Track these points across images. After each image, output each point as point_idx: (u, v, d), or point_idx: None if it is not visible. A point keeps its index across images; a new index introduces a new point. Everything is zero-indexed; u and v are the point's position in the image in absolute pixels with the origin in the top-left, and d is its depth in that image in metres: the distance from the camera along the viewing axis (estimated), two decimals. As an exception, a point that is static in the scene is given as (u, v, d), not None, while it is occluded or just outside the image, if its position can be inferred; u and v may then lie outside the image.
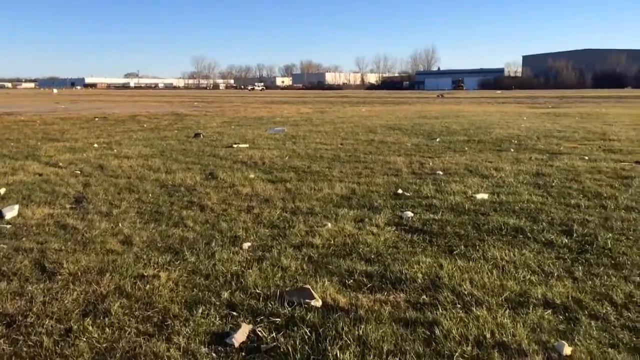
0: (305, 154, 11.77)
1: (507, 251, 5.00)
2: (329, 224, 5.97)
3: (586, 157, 10.99)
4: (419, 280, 4.29)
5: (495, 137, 14.99)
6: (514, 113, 27.38)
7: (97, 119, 22.05)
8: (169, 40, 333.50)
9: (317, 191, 7.77)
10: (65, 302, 3.87)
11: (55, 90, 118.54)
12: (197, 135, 15.29)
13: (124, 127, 18.33)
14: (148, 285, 4.16)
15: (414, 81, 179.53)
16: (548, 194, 7.45)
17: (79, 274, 4.44)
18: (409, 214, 6.44)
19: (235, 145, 13.15)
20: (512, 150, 12.35)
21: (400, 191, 7.77)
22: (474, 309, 3.71)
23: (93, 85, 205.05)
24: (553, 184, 8.16)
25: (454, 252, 5.02)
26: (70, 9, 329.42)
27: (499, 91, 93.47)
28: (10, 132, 16.68)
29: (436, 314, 3.66)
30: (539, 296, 3.95)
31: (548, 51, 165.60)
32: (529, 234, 5.58)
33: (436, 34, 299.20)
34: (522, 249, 5.09)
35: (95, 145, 13.15)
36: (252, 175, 8.97)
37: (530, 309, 3.74)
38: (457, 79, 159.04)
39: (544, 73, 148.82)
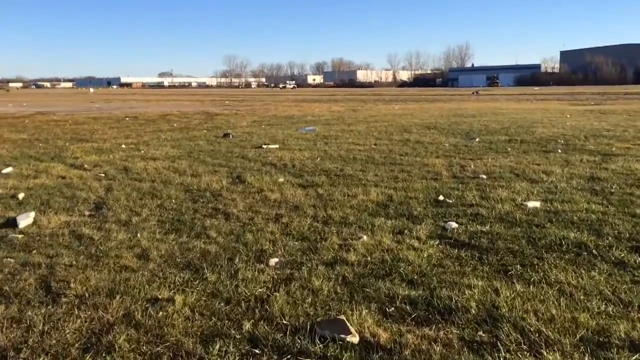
0: (337, 156, 11.20)
1: (572, 273, 4.32)
2: (365, 237, 5.39)
3: (643, 159, 10.10)
4: (473, 310, 3.67)
5: (540, 137, 14.11)
6: (556, 110, 26.19)
7: (127, 118, 21.95)
8: (201, 39, 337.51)
9: (350, 197, 7.19)
10: (67, 332, 3.40)
11: (91, 90, 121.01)
12: (226, 135, 14.88)
13: (153, 127, 18.09)
14: (161, 312, 3.66)
15: (447, 78, 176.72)
16: (608, 202, 6.69)
17: (87, 295, 3.97)
18: (453, 224, 5.81)
19: (265, 146, 12.68)
20: (559, 151, 11.51)
21: (441, 198, 7.12)
22: (544, 353, 3.07)
23: (128, 85, 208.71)
24: (612, 191, 7.38)
25: (510, 273, 4.37)
26: (107, 9, 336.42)
27: (536, 88, 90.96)
28: (40, 132, 16.61)
29: (499, 358, 3.04)
30: (622, 335, 3.28)
31: (586, 46, 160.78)
32: (594, 250, 4.88)
33: (470, 29, 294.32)
34: (590, 270, 4.41)
35: (123, 145, 12.86)
36: (281, 179, 8.45)
37: (614, 353, 3.08)
38: (491, 76, 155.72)
39: (582, 69, 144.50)
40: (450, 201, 6.97)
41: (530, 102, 38.26)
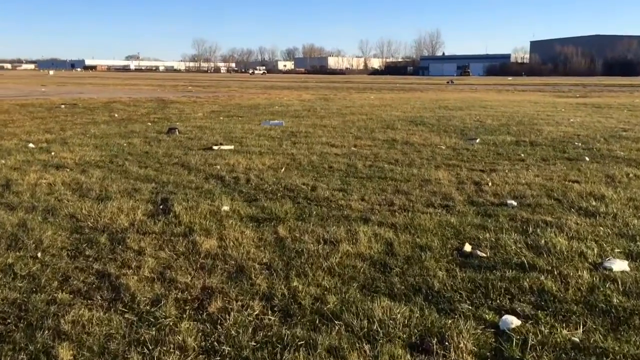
0: (308, 163, 8.57)
1: None
2: (361, 364, 2.80)
3: None
4: None
5: (550, 138, 11.74)
6: (546, 103, 24.03)
7: (63, 105, 18.79)
8: (170, 22, 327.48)
9: (328, 247, 4.59)
10: None
11: (51, 72, 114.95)
12: (171, 130, 12.06)
13: (87, 118, 15.08)
14: None
15: (418, 66, 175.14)
16: None
17: None
18: (512, 321, 3.28)
19: (216, 147, 9.95)
20: (586, 158, 9.13)
21: (468, 248, 4.60)
22: None
23: (93, 68, 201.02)
24: None
25: None
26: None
27: (509, 78, 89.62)
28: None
29: None
30: None
31: (556, 37, 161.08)
32: None
33: (441, 17, 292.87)
34: None
35: (31, 145, 9.93)
36: (225, 207, 5.77)
37: None
38: (463, 65, 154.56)
39: (552, 59, 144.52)
40: (483, 255, 4.44)
41: (512, 92, 36.23)
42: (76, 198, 6.11)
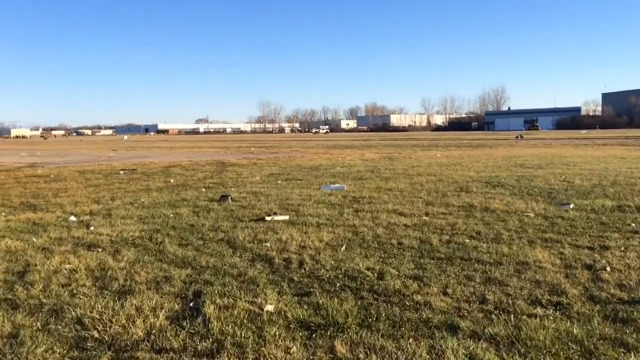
0: (373, 238, 7.27)
1: None
2: None
3: None
4: None
5: (661, 201, 9.90)
6: (636, 159, 21.73)
7: (122, 172, 18.56)
8: (237, 85, 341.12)
9: (406, 381, 3.23)
10: None
11: (125, 137, 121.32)
12: (223, 198, 11.15)
13: (142, 184, 14.55)
14: None
15: (483, 122, 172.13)
16: None
17: None
18: None
19: (268, 218, 8.86)
20: None
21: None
22: None
23: (165, 131, 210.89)
24: None
25: None
26: (148, 56, 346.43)
27: (583, 131, 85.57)
28: (-2, 192, 13.25)
29: None
30: None
31: (630, 88, 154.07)
32: None
33: (505, 72, 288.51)
34: None
35: (72, 217, 9.22)
36: (269, 307, 4.53)
37: None
38: (530, 119, 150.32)
39: (626, 111, 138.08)
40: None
41: (591, 147, 33.70)
42: (94, 292, 5.07)
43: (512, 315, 4.29)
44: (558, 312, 4.39)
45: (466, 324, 4.14)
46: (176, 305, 4.63)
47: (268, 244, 6.98)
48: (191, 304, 4.67)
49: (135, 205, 10.68)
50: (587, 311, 4.39)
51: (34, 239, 7.44)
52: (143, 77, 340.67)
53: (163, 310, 4.48)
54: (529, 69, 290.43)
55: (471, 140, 54.98)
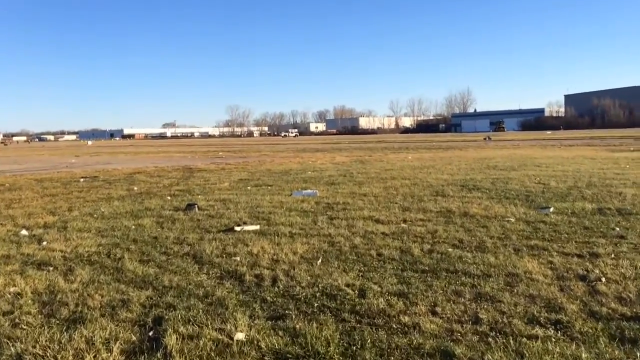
0: (350, 249, 6.81)
1: None
2: None
3: None
4: None
5: (640, 203, 9.73)
6: (605, 159, 21.90)
7: (83, 179, 17.63)
8: (204, 89, 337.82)
9: None
10: None
11: (89, 142, 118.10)
12: (189, 207, 10.53)
13: (103, 192, 13.76)
14: None
15: (450, 123, 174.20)
16: None
17: None
18: None
19: (238, 228, 8.31)
20: None
21: None
22: None
23: (131, 136, 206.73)
24: None
25: None
26: (112, 61, 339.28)
27: (548, 132, 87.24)
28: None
29: None
30: None
31: (591, 89, 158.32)
32: None
33: (471, 74, 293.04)
34: None
35: (24, 232, 8.47)
36: (239, 335, 4.01)
37: None
38: (496, 121, 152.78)
39: (588, 112, 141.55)
40: None
41: (559, 148, 34.08)
42: (39, 321, 4.45)
43: (511, 338, 3.87)
44: (559, 332, 4.00)
45: (462, 350, 3.70)
46: (133, 336, 4.06)
47: (238, 258, 6.44)
48: (150, 333, 4.11)
49: (94, 216, 9.97)
50: (590, 330, 4.01)
51: (-23, 258, 6.72)
52: (108, 81, 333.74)
53: (118, 343, 3.91)
54: (494, 71, 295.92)
55: (440, 142, 55.26)
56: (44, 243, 7.60)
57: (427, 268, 5.82)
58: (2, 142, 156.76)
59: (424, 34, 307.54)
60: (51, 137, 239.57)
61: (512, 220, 8.56)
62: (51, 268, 6.18)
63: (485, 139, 60.47)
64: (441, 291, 5.00)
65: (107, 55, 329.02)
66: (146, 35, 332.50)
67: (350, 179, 16.12)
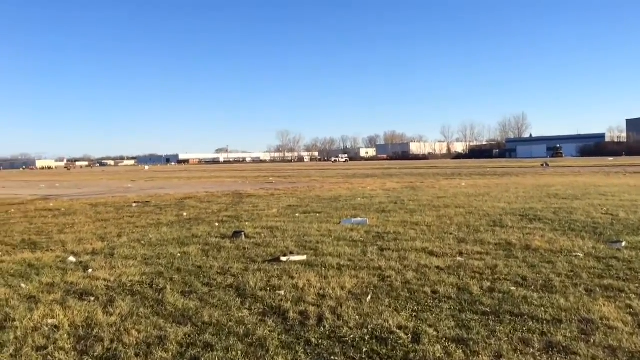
0: (402, 285, 6.34)
1: None
2: None
3: None
4: None
5: None
6: (677, 187, 20.42)
7: (135, 204, 17.90)
8: (256, 115, 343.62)
9: None
10: None
11: (146, 167, 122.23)
12: (236, 234, 10.32)
13: (153, 218, 13.82)
14: None
15: (504, 149, 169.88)
16: None
17: None
18: None
19: (284, 258, 7.99)
20: None
21: None
22: None
23: (186, 161, 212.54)
24: None
25: None
26: (169, 87, 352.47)
27: (610, 158, 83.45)
28: None
29: None
30: None
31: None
32: None
33: (525, 98, 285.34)
34: None
35: (71, 258, 8.46)
36: (280, 385, 3.64)
37: None
38: (553, 146, 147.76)
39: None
40: None
41: (625, 175, 32.25)
42: (72, 358, 4.22)
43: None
44: (651, 396, 3.41)
45: (534, 414, 3.18)
46: (165, 382, 3.76)
47: (282, 292, 6.09)
48: (184, 379, 3.79)
49: (142, 242, 9.90)
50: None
51: (23, 285, 6.67)
52: (165, 107, 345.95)
53: (148, 389, 3.61)
54: (550, 95, 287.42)
55: (495, 168, 53.66)
56: (89, 271, 7.51)
57: (488, 309, 5.29)
58: (65, 167, 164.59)
59: (475, 59, 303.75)
60: (111, 162, 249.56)
61: (581, 255, 7.86)
62: (92, 298, 6.02)
63: (542, 165, 58.33)
64: (506, 338, 4.47)
65: (165, 82, 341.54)
66: (201, 62, 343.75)
67: (402, 206, 15.59)
